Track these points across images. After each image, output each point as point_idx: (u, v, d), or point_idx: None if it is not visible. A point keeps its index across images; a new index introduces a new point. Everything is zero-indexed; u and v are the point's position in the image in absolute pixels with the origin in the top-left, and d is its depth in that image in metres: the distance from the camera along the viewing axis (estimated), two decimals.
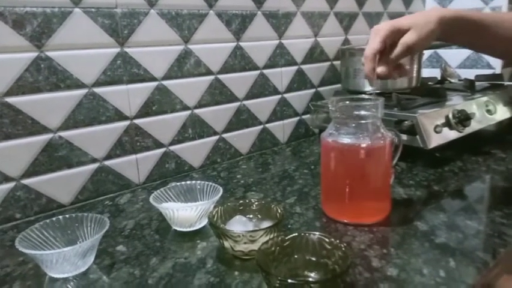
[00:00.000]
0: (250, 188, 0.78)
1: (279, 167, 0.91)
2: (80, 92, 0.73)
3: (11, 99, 0.66)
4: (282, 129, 1.08)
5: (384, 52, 0.59)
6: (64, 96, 0.71)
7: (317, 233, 0.49)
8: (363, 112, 0.59)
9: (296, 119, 1.11)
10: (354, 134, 0.59)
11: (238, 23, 0.93)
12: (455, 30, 0.60)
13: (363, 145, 0.59)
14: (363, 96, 0.61)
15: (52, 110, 0.70)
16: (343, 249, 0.45)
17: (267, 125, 1.04)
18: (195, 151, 0.91)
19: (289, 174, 0.85)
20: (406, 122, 0.83)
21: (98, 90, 0.74)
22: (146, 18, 0.78)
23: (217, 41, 0.90)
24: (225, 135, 0.96)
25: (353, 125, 0.59)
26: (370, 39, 0.60)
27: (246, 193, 0.76)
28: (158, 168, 0.85)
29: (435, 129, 0.82)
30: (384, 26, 0.59)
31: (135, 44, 0.78)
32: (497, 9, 1.31)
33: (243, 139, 1.00)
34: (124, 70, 0.77)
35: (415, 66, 1.01)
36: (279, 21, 1.02)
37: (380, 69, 0.59)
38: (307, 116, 1.13)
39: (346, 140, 0.59)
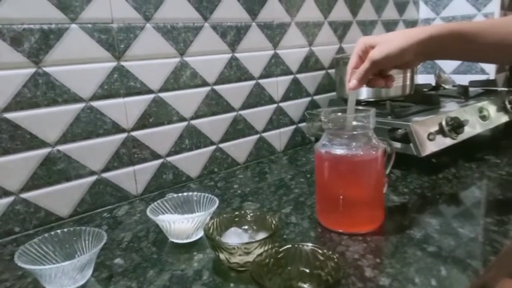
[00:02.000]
0: (246, 198, 0.79)
1: (275, 176, 0.92)
2: (78, 106, 0.74)
3: (9, 115, 0.67)
4: (278, 137, 1.09)
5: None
6: (62, 111, 0.72)
7: (310, 244, 0.50)
8: (355, 123, 0.60)
9: (292, 127, 1.13)
10: (347, 145, 0.60)
11: (233, 35, 0.94)
12: (448, 46, 0.61)
13: (356, 156, 0.60)
14: (356, 106, 0.62)
15: (50, 125, 0.71)
16: (336, 260, 0.46)
17: (264, 134, 1.06)
18: (192, 161, 0.92)
19: (285, 183, 0.86)
20: (400, 130, 0.84)
21: (95, 104, 0.76)
22: (142, 32, 0.80)
23: (213, 52, 0.92)
24: (221, 145, 0.97)
25: (346, 136, 0.61)
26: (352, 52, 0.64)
27: (242, 203, 0.77)
28: (155, 180, 0.86)
29: (429, 137, 0.83)
30: (360, 41, 0.63)
31: (131, 57, 0.79)
32: (490, 15, 1.33)
33: (239, 148, 1.01)
34: (120, 83, 0.78)
35: (408, 74, 1.02)
36: (274, 32, 1.03)
37: (350, 83, 0.62)
38: (304, 124, 1.14)
39: (339, 151, 0.60)
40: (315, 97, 1.17)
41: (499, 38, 0.61)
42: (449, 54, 0.64)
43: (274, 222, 0.57)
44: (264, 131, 1.05)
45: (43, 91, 0.70)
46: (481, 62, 0.73)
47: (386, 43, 0.60)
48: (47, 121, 0.71)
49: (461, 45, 0.61)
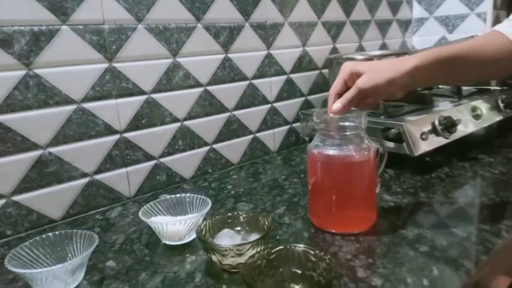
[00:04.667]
0: (240, 199, 0.79)
1: (269, 176, 0.92)
2: (69, 108, 0.73)
3: (0, 118, 0.66)
4: (272, 138, 1.09)
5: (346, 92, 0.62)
6: (53, 113, 0.72)
7: (302, 245, 0.49)
8: (347, 123, 0.60)
9: (286, 127, 1.13)
10: (339, 146, 0.60)
11: (226, 35, 0.94)
12: (434, 73, 0.61)
13: (348, 156, 0.60)
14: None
15: (42, 127, 0.71)
16: (327, 261, 0.46)
17: (258, 134, 1.05)
18: (185, 162, 0.92)
19: (279, 183, 0.86)
20: (393, 130, 0.84)
21: (87, 105, 0.75)
22: (134, 33, 0.79)
23: (206, 53, 0.91)
24: (215, 146, 0.97)
25: (338, 136, 0.61)
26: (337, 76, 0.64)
27: (236, 204, 0.77)
28: (149, 181, 0.86)
29: (422, 137, 0.83)
30: (346, 67, 0.63)
31: (123, 59, 0.79)
32: (483, 14, 1.34)
33: (233, 149, 1.01)
34: (112, 85, 0.78)
35: None
36: (267, 32, 1.03)
37: (334, 106, 0.61)
38: (298, 124, 1.14)
39: (331, 151, 0.60)
40: (309, 97, 1.17)
41: (478, 58, 0.61)
42: (433, 81, 0.65)
43: (267, 223, 0.57)
44: (258, 131, 1.05)
45: (34, 93, 0.69)
46: (463, 83, 0.74)
47: (374, 73, 0.60)
48: (38, 123, 0.70)
49: (445, 70, 0.61)
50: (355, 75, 0.62)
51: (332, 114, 0.62)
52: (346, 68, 0.63)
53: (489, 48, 0.61)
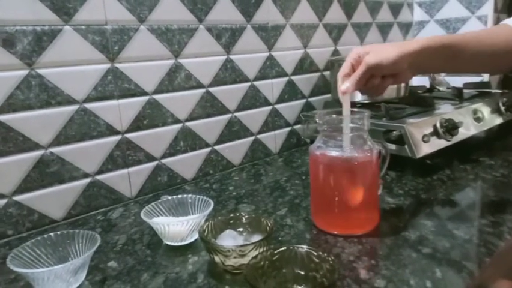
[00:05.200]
0: (242, 200, 0.79)
1: (270, 178, 0.92)
2: (71, 108, 0.73)
3: (2, 117, 0.66)
4: (273, 139, 1.09)
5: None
6: (55, 113, 0.72)
7: (305, 246, 0.49)
8: (351, 125, 0.60)
9: (288, 129, 1.13)
10: (342, 147, 0.60)
11: (228, 37, 0.94)
12: (438, 57, 0.62)
13: (351, 158, 0.60)
14: (351, 108, 0.62)
15: (43, 127, 0.71)
16: (331, 262, 0.46)
17: (259, 136, 1.05)
18: (187, 163, 0.91)
19: (280, 185, 0.86)
20: (394, 132, 0.84)
21: (89, 106, 0.75)
22: (136, 34, 0.79)
23: (208, 54, 0.91)
24: (216, 147, 0.97)
25: (340, 137, 0.61)
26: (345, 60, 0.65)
27: (237, 205, 0.77)
28: (150, 182, 0.86)
29: (423, 139, 0.83)
30: (354, 51, 0.64)
31: (126, 59, 0.79)
32: (483, 18, 1.34)
33: (235, 150, 1.00)
34: (114, 85, 0.78)
35: None
36: (269, 34, 1.03)
37: (343, 86, 0.62)
38: (299, 126, 1.14)
39: (334, 152, 0.60)
40: (310, 99, 1.17)
41: (483, 48, 0.63)
42: (438, 66, 0.66)
43: (269, 224, 0.57)
44: (259, 132, 1.05)
45: (36, 93, 0.69)
46: (466, 73, 0.76)
47: (381, 50, 0.61)
48: (40, 123, 0.70)
49: (449, 56, 0.62)
50: (362, 56, 0.62)
51: (341, 95, 0.62)
52: (354, 52, 0.64)
53: (496, 39, 0.63)
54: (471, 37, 0.62)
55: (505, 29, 0.63)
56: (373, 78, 0.63)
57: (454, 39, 0.62)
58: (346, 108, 0.62)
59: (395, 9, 1.45)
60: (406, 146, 0.83)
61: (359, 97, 1.03)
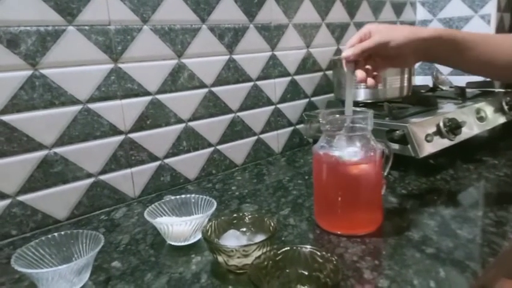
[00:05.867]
0: (244, 200, 0.79)
1: (273, 178, 0.92)
2: (75, 109, 0.74)
3: (6, 117, 0.67)
4: (276, 139, 1.09)
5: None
6: (59, 113, 0.72)
7: (309, 246, 0.49)
8: (353, 125, 0.60)
9: (290, 129, 1.12)
10: (345, 147, 0.60)
11: (230, 36, 0.94)
12: (446, 50, 0.63)
13: (354, 157, 0.60)
14: (354, 108, 0.62)
15: (47, 127, 0.71)
16: (334, 262, 0.46)
17: (262, 136, 1.05)
18: (190, 163, 0.92)
19: (283, 184, 0.86)
20: (397, 132, 0.84)
21: (92, 106, 0.75)
22: (139, 34, 0.79)
23: (210, 54, 0.91)
24: (219, 147, 0.97)
25: (344, 137, 0.60)
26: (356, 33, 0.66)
27: (240, 205, 0.77)
28: (153, 182, 0.86)
29: (427, 138, 0.83)
30: (367, 26, 0.64)
31: (129, 59, 0.79)
32: (487, 17, 1.33)
33: (237, 150, 1.01)
34: (118, 86, 0.78)
35: (406, 76, 1.02)
36: (272, 34, 1.03)
37: (345, 52, 0.63)
38: (301, 125, 1.14)
39: (337, 152, 0.60)
40: (313, 98, 1.17)
41: (490, 52, 0.63)
42: (444, 58, 0.66)
43: (272, 224, 0.57)
44: (262, 132, 1.05)
45: (40, 93, 0.69)
46: (471, 73, 0.76)
47: (392, 30, 0.62)
48: (44, 123, 0.70)
49: (457, 51, 0.63)
50: (373, 33, 0.63)
51: (344, 64, 0.64)
52: (366, 27, 0.64)
53: (502, 48, 0.63)
54: (481, 39, 0.63)
55: None
56: (377, 56, 0.64)
57: (465, 36, 0.62)
58: (349, 79, 0.63)
59: (398, 8, 1.45)
60: (409, 146, 0.82)
61: (361, 96, 1.03)
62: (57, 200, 0.73)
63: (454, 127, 0.87)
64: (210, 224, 0.59)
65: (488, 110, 1.01)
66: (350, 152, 0.60)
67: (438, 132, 0.86)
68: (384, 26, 0.63)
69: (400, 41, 0.61)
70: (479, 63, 0.64)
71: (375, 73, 0.65)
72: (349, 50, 0.63)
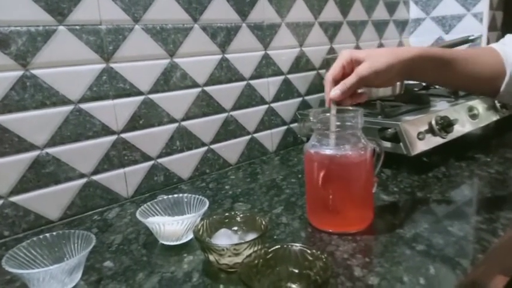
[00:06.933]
0: (238, 199, 0.79)
1: (267, 177, 0.92)
2: (67, 109, 0.73)
3: None
4: (270, 138, 1.09)
5: (343, 78, 0.61)
6: (50, 113, 0.72)
7: (299, 244, 0.50)
8: (343, 123, 0.61)
9: (284, 128, 1.13)
10: (336, 145, 0.61)
11: (223, 36, 0.94)
12: (428, 69, 0.62)
13: (345, 156, 0.60)
14: (345, 107, 0.63)
15: (39, 127, 0.71)
16: (324, 260, 0.46)
17: (255, 135, 1.06)
18: (183, 163, 0.92)
19: (277, 183, 0.86)
20: (389, 130, 0.84)
21: (84, 106, 0.75)
22: (131, 33, 0.79)
23: (203, 53, 0.91)
24: (213, 146, 0.97)
25: (334, 136, 0.61)
26: (334, 63, 0.63)
27: (233, 204, 0.77)
28: (146, 182, 0.86)
29: (419, 136, 0.83)
30: (346, 54, 0.62)
31: (120, 59, 0.79)
32: (479, 15, 1.34)
33: (231, 149, 1.01)
34: (109, 85, 0.78)
35: None
36: (264, 33, 1.03)
37: (332, 92, 0.60)
38: (295, 124, 1.14)
39: (328, 151, 0.61)
40: (306, 97, 1.17)
41: (469, 69, 0.63)
42: (428, 77, 0.66)
43: (263, 223, 0.57)
44: (256, 131, 1.05)
45: (31, 94, 0.69)
46: (455, 90, 0.78)
47: (374, 59, 0.60)
48: (35, 124, 0.70)
49: (440, 69, 0.62)
50: (354, 62, 0.61)
51: (328, 102, 0.61)
52: (345, 55, 0.62)
53: (481, 64, 0.63)
54: (460, 56, 0.62)
55: (492, 55, 0.64)
56: (363, 86, 0.62)
57: (444, 53, 0.62)
58: (333, 113, 0.61)
59: (391, 7, 1.45)
60: (401, 144, 0.83)
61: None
62: (49, 200, 0.73)
63: (445, 125, 0.87)
64: (202, 223, 0.59)
65: (480, 107, 1.02)
66: (341, 150, 0.60)
67: (431, 130, 0.87)
68: (365, 55, 0.61)
69: (383, 68, 0.59)
70: (462, 79, 0.64)
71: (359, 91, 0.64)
72: (335, 90, 0.60)
